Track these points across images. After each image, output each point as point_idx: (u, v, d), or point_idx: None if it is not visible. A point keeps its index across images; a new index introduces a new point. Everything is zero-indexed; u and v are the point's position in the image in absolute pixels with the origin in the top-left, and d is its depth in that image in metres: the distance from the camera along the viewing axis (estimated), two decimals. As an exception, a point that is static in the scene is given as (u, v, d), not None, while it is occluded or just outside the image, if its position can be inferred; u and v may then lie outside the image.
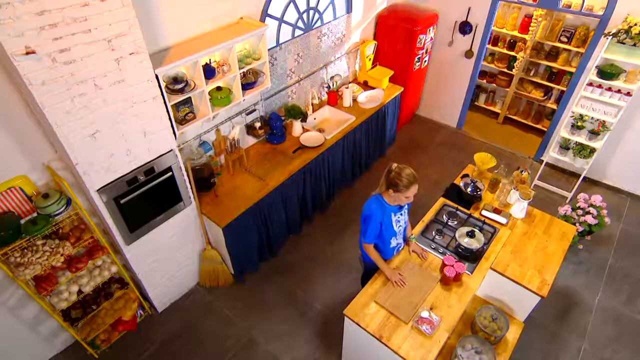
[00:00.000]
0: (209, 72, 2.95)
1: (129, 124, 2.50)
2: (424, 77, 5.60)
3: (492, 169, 3.54)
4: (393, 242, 2.78)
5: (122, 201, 2.70)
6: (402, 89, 4.86)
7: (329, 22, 4.15)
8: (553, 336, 3.44)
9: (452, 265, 2.67)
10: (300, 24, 3.81)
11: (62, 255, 2.58)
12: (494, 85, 5.79)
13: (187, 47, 2.82)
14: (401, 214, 2.71)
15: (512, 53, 5.35)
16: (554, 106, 5.31)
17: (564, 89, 4.99)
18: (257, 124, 3.78)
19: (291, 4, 3.60)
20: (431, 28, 4.92)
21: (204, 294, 3.73)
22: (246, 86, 3.31)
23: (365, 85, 4.84)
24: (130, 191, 2.72)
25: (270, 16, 3.48)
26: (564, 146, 4.57)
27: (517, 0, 4.54)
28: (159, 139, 2.72)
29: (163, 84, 2.65)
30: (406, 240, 2.97)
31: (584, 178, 4.70)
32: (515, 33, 5.20)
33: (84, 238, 2.73)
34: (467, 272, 2.77)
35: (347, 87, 4.44)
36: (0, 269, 2.49)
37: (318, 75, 4.40)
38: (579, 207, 3.98)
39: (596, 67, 4.00)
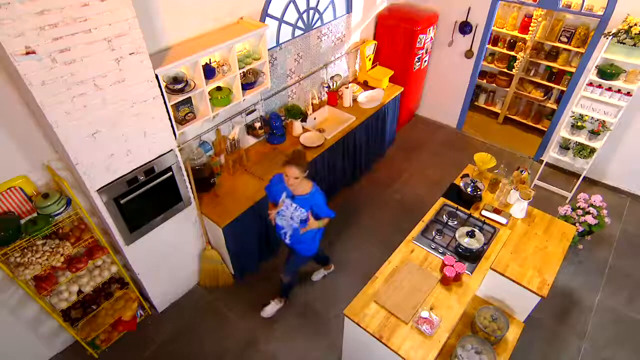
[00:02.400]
0: (209, 72, 2.95)
1: (129, 124, 2.50)
2: (424, 77, 5.60)
3: (492, 169, 3.54)
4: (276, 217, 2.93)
5: (122, 201, 2.70)
6: (402, 89, 4.86)
7: (329, 22, 4.15)
8: (553, 336, 3.44)
9: (452, 265, 2.67)
10: (300, 24, 3.81)
11: (62, 255, 2.58)
12: (494, 85, 5.79)
13: (187, 47, 2.82)
14: (291, 204, 2.76)
15: (512, 53, 5.35)
16: (554, 106, 5.31)
17: (564, 89, 4.99)
18: (257, 124, 3.78)
19: (291, 4, 3.60)
20: (431, 28, 4.92)
21: (204, 294, 3.73)
22: (246, 86, 3.31)
23: (365, 85, 4.84)
24: (130, 191, 2.72)
25: (270, 16, 3.48)
26: (564, 146, 4.57)
27: (517, 0, 4.54)
28: (159, 139, 2.72)
29: (163, 84, 2.65)
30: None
31: (584, 178, 4.70)
32: (515, 33, 5.20)
33: (84, 238, 2.73)
34: (467, 272, 2.77)
35: (347, 87, 4.43)
36: (0, 269, 2.49)
37: (318, 75, 4.40)
38: (579, 207, 3.98)
39: (596, 67, 4.00)
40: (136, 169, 2.69)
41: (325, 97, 4.57)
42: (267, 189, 2.99)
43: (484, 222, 3.12)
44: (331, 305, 3.61)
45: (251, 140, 3.93)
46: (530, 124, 5.73)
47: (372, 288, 2.68)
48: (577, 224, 3.87)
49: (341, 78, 4.57)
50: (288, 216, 2.85)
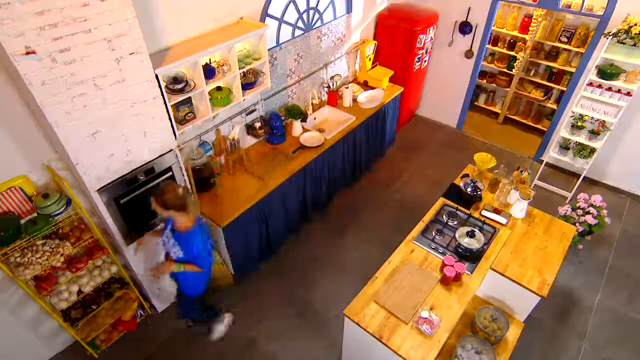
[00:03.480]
0: (209, 72, 2.95)
1: (129, 124, 2.50)
2: (424, 77, 5.60)
3: (492, 169, 3.54)
4: None
5: (122, 201, 2.70)
6: (402, 89, 4.86)
7: (329, 22, 4.15)
8: (553, 336, 3.44)
9: (452, 265, 2.67)
10: (300, 24, 3.81)
11: (62, 255, 2.58)
12: (494, 85, 5.79)
13: (187, 47, 2.82)
14: (170, 238, 2.58)
15: (512, 53, 5.35)
16: (554, 106, 5.31)
17: (564, 89, 4.99)
18: (257, 124, 3.78)
19: (291, 4, 3.60)
20: (431, 28, 4.92)
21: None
22: (246, 86, 3.31)
23: (365, 85, 4.84)
24: (130, 191, 2.72)
25: (270, 16, 3.48)
26: (564, 146, 4.57)
27: (517, 0, 4.54)
28: (159, 139, 2.72)
29: (163, 84, 2.65)
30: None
31: (584, 178, 4.70)
32: (515, 33, 5.20)
33: (84, 238, 2.73)
34: (467, 272, 2.77)
35: (347, 87, 4.43)
36: (0, 269, 2.49)
37: (318, 75, 4.40)
38: (579, 207, 3.98)
39: (596, 67, 4.00)
40: (136, 169, 2.69)
41: (325, 97, 4.57)
42: None
43: (484, 222, 3.12)
44: (331, 305, 3.61)
45: (251, 140, 3.93)
46: (530, 124, 5.73)
47: (372, 288, 2.68)
48: (577, 224, 3.86)
49: (341, 78, 4.57)
50: (168, 249, 2.61)
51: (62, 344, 3.28)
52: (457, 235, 2.90)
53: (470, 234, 2.87)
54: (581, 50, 4.71)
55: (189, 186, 3.12)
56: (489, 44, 5.28)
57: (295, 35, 3.83)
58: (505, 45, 5.42)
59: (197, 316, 3.16)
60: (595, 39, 4.17)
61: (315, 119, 4.34)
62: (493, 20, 4.80)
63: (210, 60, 3.03)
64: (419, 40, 4.77)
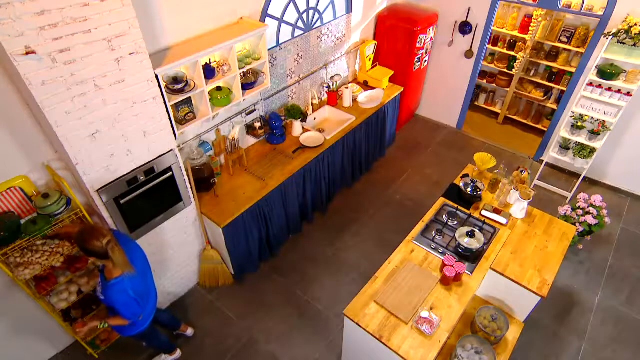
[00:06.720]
0: (209, 72, 2.95)
1: (129, 124, 2.50)
2: (424, 77, 5.60)
3: (492, 169, 3.54)
4: None
5: (122, 201, 2.70)
6: (402, 89, 4.86)
7: (329, 22, 4.15)
8: (553, 336, 3.44)
9: (452, 265, 2.67)
10: (300, 24, 3.81)
11: (62, 255, 2.58)
12: (494, 85, 5.79)
13: (187, 47, 2.82)
14: (101, 278, 2.42)
15: (512, 53, 5.35)
16: (554, 106, 5.31)
17: (564, 89, 4.99)
18: (257, 124, 3.79)
19: (291, 4, 3.60)
20: (431, 28, 4.92)
21: (204, 294, 3.73)
22: (246, 86, 3.31)
23: (365, 85, 4.84)
24: (130, 191, 2.72)
25: (270, 16, 3.48)
26: (564, 146, 4.57)
27: (517, 0, 4.54)
28: (159, 139, 2.72)
29: (163, 84, 2.65)
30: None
31: (584, 178, 4.70)
32: (515, 33, 5.20)
33: (84, 238, 2.72)
34: (467, 272, 2.77)
35: (347, 87, 4.43)
36: (0, 269, 2.49)
37: (318, 75, 4.40)
38: (579, 207, 3.98)
39: (596, 67, 4.00)
40: (136, 169, 2.69)
41: (325, 97, 4.57)
42: None
43: (484, 222, 3.12)
44: (331, 305, 3.61)
45: (251, 140, 3.93)
46: (530, 124, 5.73)
47: (372, 288, 2.68)
48: (577, 224, 3.86)
49: (341, 78, 4.57)
50: (98, 293, 2.46)
51: (62, 344, 3.28)
52: (457, 235, 2.90)
53: (470, 234, 2.87)
54: (581, 50, 4.71)
55: (188, 186, 3.12)
56: (489, 44, 5.28)
57: (295, 35, 3.83)
58: (505, 45, 5.42)
59: (156, 343, 3.06)
60: (595, 39, 4.17)
61: (315, 119, 4.34)
62: (493, 21, 4.80)
63: (210, 60, 3.03)
64: (419, 40, 4.77)
